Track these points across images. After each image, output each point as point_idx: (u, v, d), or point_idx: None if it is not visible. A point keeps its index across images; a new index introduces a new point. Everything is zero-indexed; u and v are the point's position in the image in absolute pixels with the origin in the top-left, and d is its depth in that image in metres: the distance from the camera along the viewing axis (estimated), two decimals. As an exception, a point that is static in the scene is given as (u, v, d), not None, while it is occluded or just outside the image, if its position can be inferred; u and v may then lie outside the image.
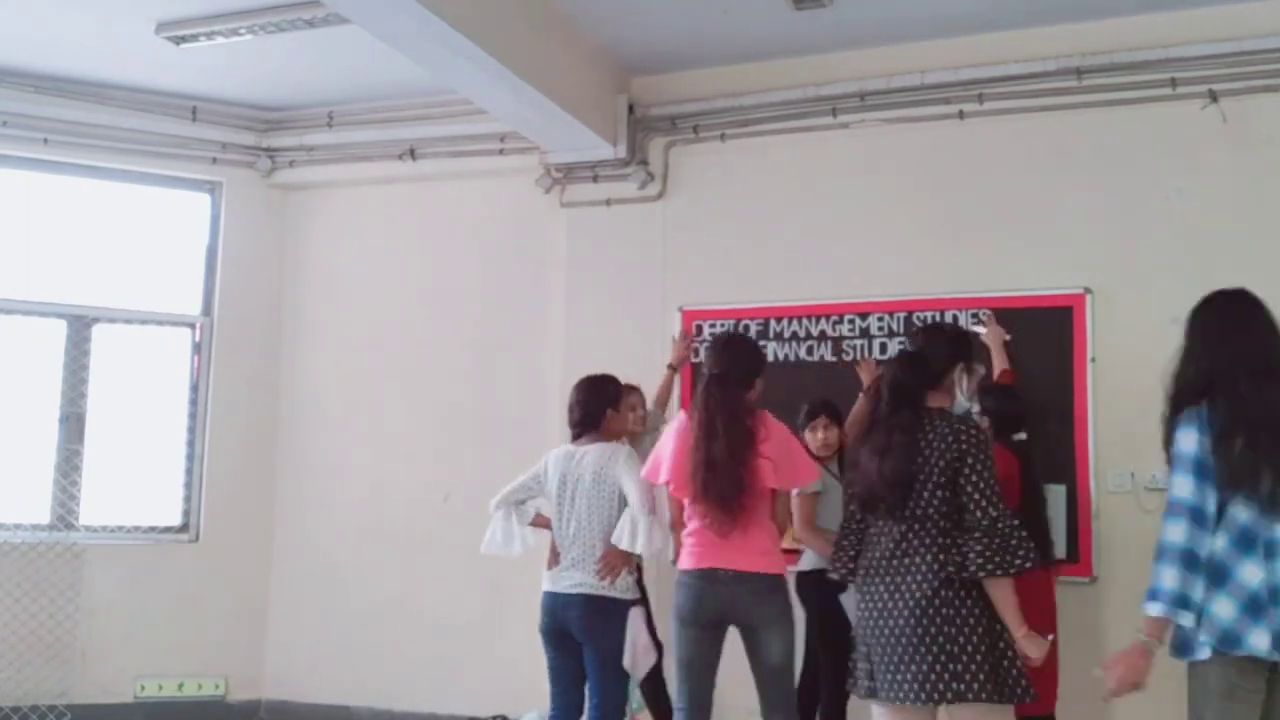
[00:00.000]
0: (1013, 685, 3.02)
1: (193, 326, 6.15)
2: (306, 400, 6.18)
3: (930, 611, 3.01)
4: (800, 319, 5.19)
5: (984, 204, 4.99)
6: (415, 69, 4.77)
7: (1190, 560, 2.56)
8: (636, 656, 3.85)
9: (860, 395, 4.73)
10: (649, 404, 4.78)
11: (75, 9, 4.98)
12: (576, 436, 4.07)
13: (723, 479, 3.45)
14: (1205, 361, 2.69)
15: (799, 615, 4.54)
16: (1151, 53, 4.72)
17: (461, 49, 4.32)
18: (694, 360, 5.14)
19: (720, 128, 5.43)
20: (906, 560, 3.08)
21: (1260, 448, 2.56)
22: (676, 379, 5.11)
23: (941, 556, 3.04)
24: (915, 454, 3.10)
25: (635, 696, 4.31)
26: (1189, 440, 2.62)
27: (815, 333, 5.16)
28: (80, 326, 5.92)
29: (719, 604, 3.51)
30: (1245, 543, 2.56)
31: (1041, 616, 4.22)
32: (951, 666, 2.97)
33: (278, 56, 5.42)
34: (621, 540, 3.79)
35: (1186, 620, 2.58)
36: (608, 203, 5.61)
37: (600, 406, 4.05)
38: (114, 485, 5.94)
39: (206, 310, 6.16)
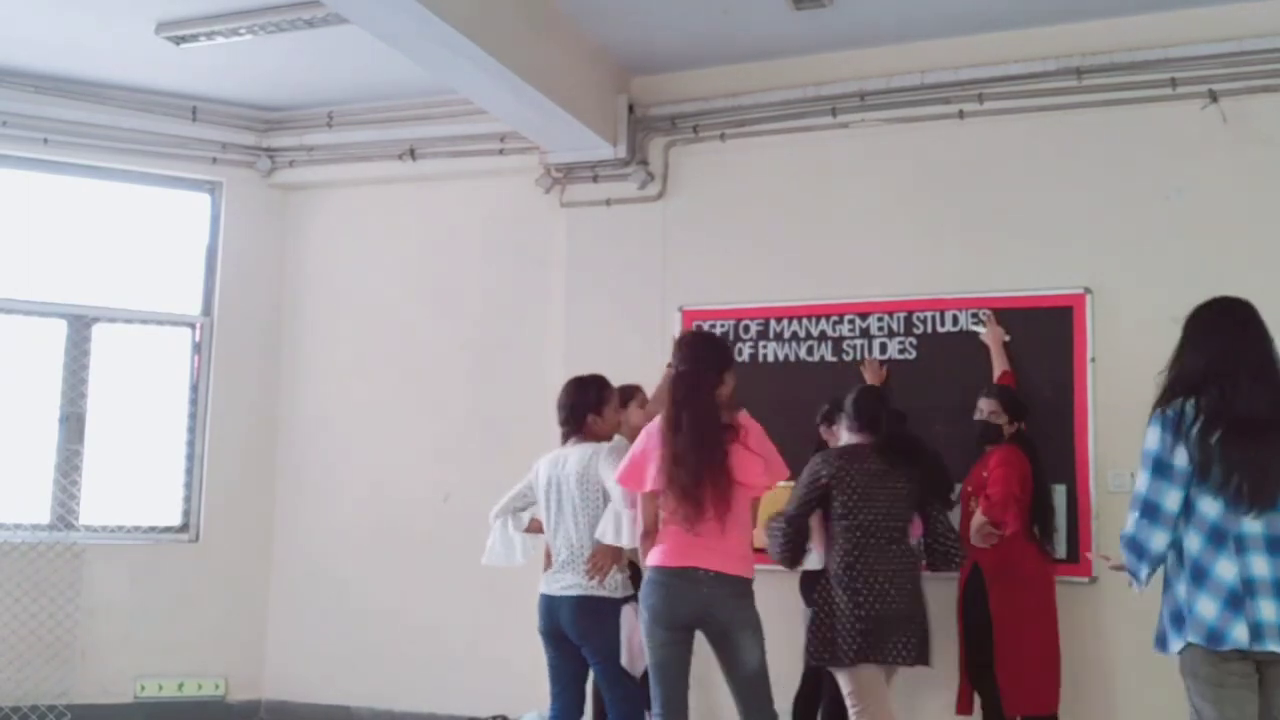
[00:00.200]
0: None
1: (193, 326, 6.15)
2: (306, 400, 6.18)
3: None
4: (800, 319, 5.19)
5: (984, 204, 4.99)
6: (415, 69, 4.77)
7: (1139, 550, 2.72)
8: (633, 655, 3.84)
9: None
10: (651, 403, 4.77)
11: (75, 9, 4.98)
12: (564, 439, 4.07)
13: (688, 471, 3.40)
14: (1198, 358, 2.75)
15: (785, 617, 4.57)
16: (1151, 53, 4.72)
17: (461, 49, 4.32)
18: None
19: (720, 128, 5.43)
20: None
21: (1234, 444, 2.62)
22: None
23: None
24: None
25: None
26: (1152, 438, 2.72)
27: (815, 333, 5.17)
28: (80, 326, 5.92)
29: (696, 605, 3.44)
30: (1217, 540, 2.64)
31: (1046, 614, 4.23)
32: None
33: (278, 56, 5.42)
34: (606, 535, 3.78)
35: (1138, 574, 2.75)
36: (608, 203, 5.61)
37: (583, 409, 4.02)
38: (114, 485, 5.94)
39: (206, 310, 6.16)
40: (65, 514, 5.75)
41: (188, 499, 6.05)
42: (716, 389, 3.55)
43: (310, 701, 5.93)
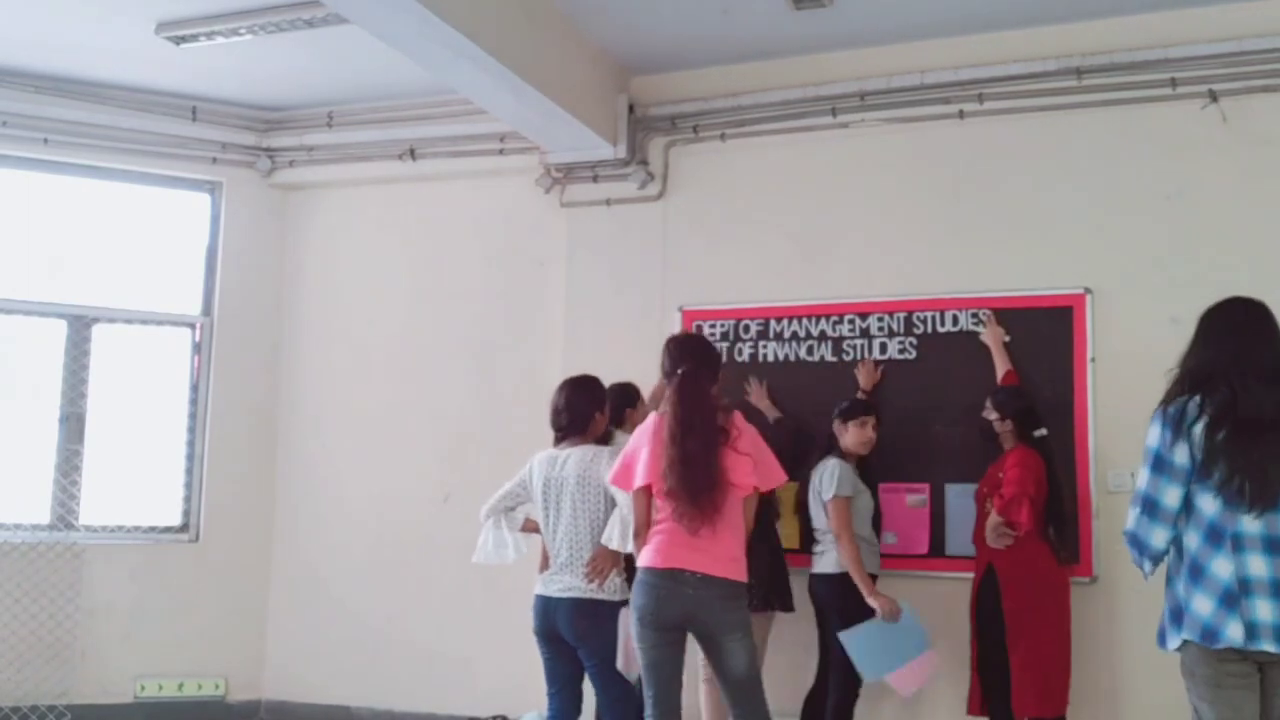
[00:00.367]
0: None
1: (193, 326, 6.15)
2: (306, 400, 6.18)
3: None
4: (800, 319, 5.19)
5: (983, 204, 4.99)
6: (415, 69, 4.77)
7: (1140, 547, 2.75)
8: (629, 657, 3.83)
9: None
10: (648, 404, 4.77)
11: (75, 9, 4.98)
12: (560, 439, 4.05)
13: (699, 474, 3.40)
14: (1207, 357, 2.77)
15: (795, 617, 4.58)
16: (1151, 53, 4.72)
17: (462, 49, 4.32)
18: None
19: (720, 128, 5.43)
20: None
21: (1238, 444, 2.62)
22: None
23: None
24: None
25: None
26: (1153, 435, 2.73)
27: (815, 333, 5.16)
28: (80, 326, 5.92)
29: (683, 607, 3.42)
30: (1215, 538, 2.64)
31: (1059, 616, 4.23)
32: None
33: (278, 56, 5.42)
34: (612, 540, 3.77)
35: (1142, 568, 2.79)
36: (608, 203, 5.61)
37: (590, 409, 4.02)
38: (114, 485, 5.94)
39: (206, 310, 6.16)
40: (65, 514, 5.75)
41: (188, 499, 6.05)
42: (712, 389, 3.57)
43: (310, 701, 5.93)
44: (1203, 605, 2.63)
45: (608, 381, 4.24)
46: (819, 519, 4.42)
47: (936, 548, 4.82)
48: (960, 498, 4.68)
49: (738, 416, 3.56)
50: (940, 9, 4.81)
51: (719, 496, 3.41)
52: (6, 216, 5.94)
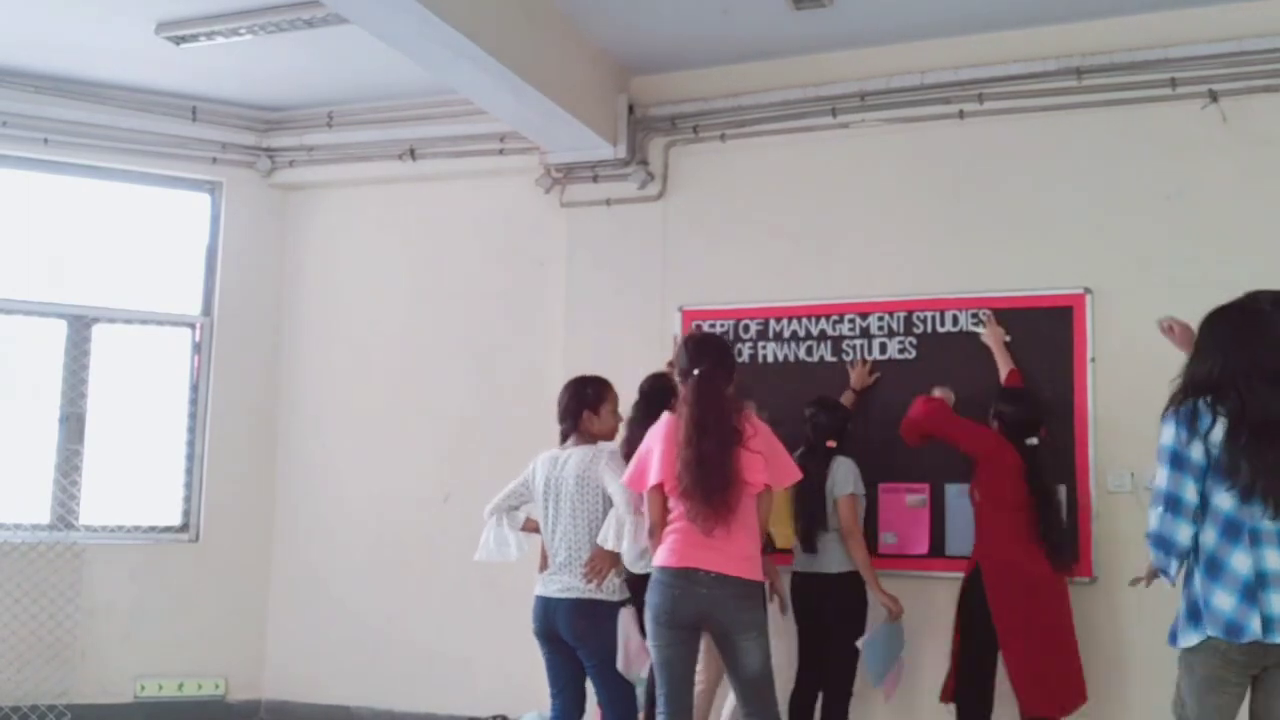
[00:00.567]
0: None
1: (193, 326, 6.15)
2: (306, 400, 6.18)
3: None
4: (800, 319, 5.19)
5: (983, 204, 4.99)
6: (415, 69, 4.77)
7: (1166, 545, 2.75)
8: (630, 657, 3.82)
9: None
10: None
11: (75, 9, 4.98)
12: (563, 438, 4.06)
13: (713, 475, 3.40)
14: (1215, 359, 2.80)
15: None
16: (1151, 53, 4.71)
17: (462, 49, 4.32)
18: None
19: (720, 128, 5.43)
20: None
21: (1257, 448, 2.68)
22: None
23: None
24: None
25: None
26: (1168, 434, 2.78)
27: (815, 333, 5.16)
28: (80, 326, 5.92)
29: (697, 606, 3.43)
30: (1232, 534, 2.69)
31: (1059, 620, 4.22)
32: None
33: (278, 56, 5.42)
34: (607, 541, 3.76)
35: (1168, 570, 2.79)
36: (608, 203, 5.61)
37: (577, 408, 4.02)
38: (114, 485, 5.94)
39: (206, 310, 6.16)
40: (65, 514, 5.75)
41: (188, 499, 6.05)
42: (727, 389, 3.57)
43: (310, 701, 5.93)
44: (1224, 601, 2.66)
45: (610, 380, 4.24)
46: (829, 518, 4.42)
47: (936, 548, 4.81)
48: (960, 498, 4.68)
49: (751, 414, 3.56)
50: (940, 9, 4.81)
51: (733, 496, 3.41)
52: (6, 216, 5.94)
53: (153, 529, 5.97)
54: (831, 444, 4.49)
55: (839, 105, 5.20)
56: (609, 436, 4.11)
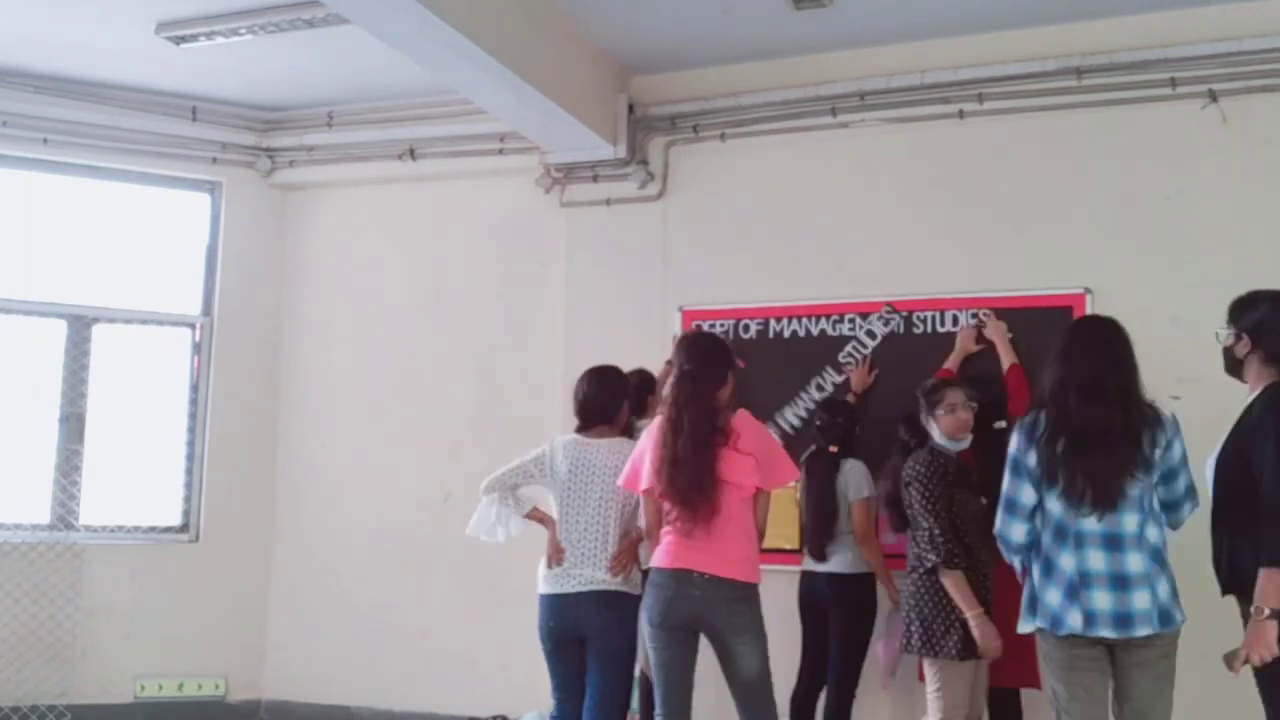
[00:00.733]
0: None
1: (193, 326, 6.15)
2: (306, 400, 6.18)
3: None
4: (800, 319, 5.19)
5: (984, 204, 4.99)
6: (415, 69, 4.77)
7: (1004, 543, 3.13)
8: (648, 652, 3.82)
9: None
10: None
11: (75, 9, 4.98)
12: (587, 427, 3.99)
13: (687, 475, 3.37)
14: (1051, 375, 3.10)
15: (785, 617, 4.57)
16: (1151, 53, 4.72)
17: (462, 49, 4.32)
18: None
19: (720, 127, 5.43)
20: None
21: (1073, 453, 2.95)
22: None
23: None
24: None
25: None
26: (1012, 443, 3.10)
27: (815, 332, 5.16)
28: (80, 326, 5.92)
29: (690, 607, 3.41)
30: (1060, 535, 2.98)
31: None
32: None
33: (278, 56, 5.42)
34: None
35: (1012, 564, 3.19)
36: (608, 202, 5.61)
37: (620, 397, 4.01)
38: (114, 485, 5.94)
39: (206, 310, 6.16)
40: (65, 514, 5.75)
41: (188, 499, 6.05)
42: (719, 390, 3.54)
43: (310, 701, 5.93)
44: (1052, 596, 2.95)
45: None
46: (840, 521, 4.43)
47: (936, 548, 4.81)
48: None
49: (742, 415, 3.52)
50: (940, 9, 4.81)
51: (715, 497, 3.38)
52: (6, 216, 5.94)
53: (153, 529, 5.97)
54: (834, 449, 4.48)
55: (839, 105, 5.20)
56: (629, 427, 4.11)
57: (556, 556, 3.87)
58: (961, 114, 5.03)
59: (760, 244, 5.32)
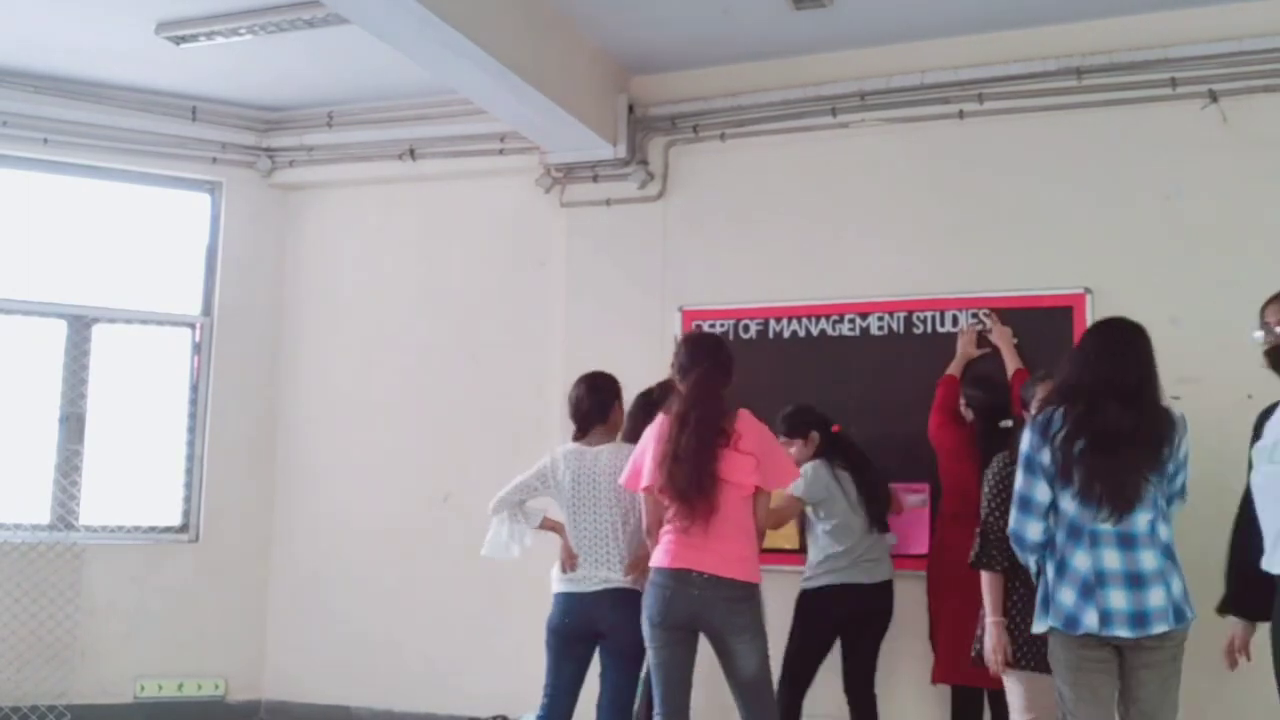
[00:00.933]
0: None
1: (193, 326, 6.15)
2: (306, 400, 6.18)
3: None
4: (800, 319, 5.19)
5: (984, 204, 4.99)
6: (415, 69, 4.77)
7: (1019, 542, 3.07)
8: None
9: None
10: None
11: (75, 9, 4.98)
12: (584, 433, 4.02)
13: (687, 472, 3.39)
14: (1081, 374, 3.07)
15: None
16: (1151, 53, 4.72)
17: (462, 49, 4.32)
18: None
19: (720, 127, 5.43)
20: None
21: (1095, 454, 2.93)
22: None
23: None
24: None
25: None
26: (1025, 441, 3.06)
27: (815, 332, 5.16)
28: (80, 326, 5.92)
29: (689, 607, 3.41)
30: (1074, 534, 2.96)
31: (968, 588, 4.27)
32: None
33: (278, 56, 5.42)
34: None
35: (1027, 564, 3.13)
36: (608, 203, 5.61)
37: (612, 400, 4.05)
38: (114, 485, 5.94)
39: (206, 310, 6.16)
40: (65, 514, 5.75)
41: (188, 499, 6.05)
42: (725, 390, 3.56)
43: (310, 701, 5.93)
44: (1066, 595, 2.93)
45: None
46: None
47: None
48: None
49: (744, 415, 3.53)
50: (940, 9, 4.81)
51: (713, 496, 3.39)
52: (6, 216, 5.94)
53: (153, 529, 5.96)
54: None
55: (839, 105, 5.20)
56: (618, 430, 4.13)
57: (570, 563, 3.93)
58: (961, 114, 5.03)
59: (760, 244, 5.32)
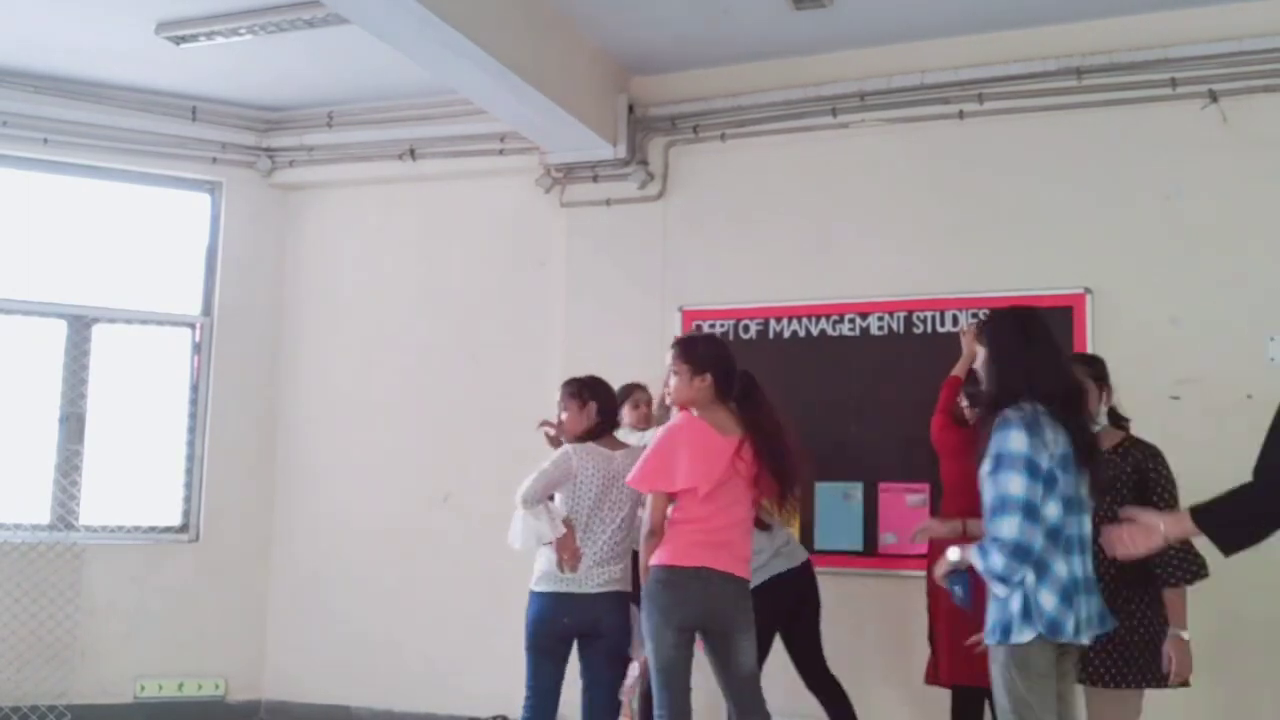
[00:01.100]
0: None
1: (193, 326, 6.15)
2: (306, 400, 6.18)
3: None
4: (800, 319, 5.19)
5: (984, 204, 4.99)
6: (415, 69, 4.77)
7: (1024, 554, 2.79)
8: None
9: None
10: (654, 403, 4.75)
11: (75, 9, 4.98)
12: (599, 436, 4.03)
13: (794, 471, 3.57)
14: (1046, 365, 2.93)
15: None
16: (1151, 53, 4.72)
17: (462, 49, 4.32)
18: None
19: (720, 128, 5.43)
20: None
21: (1081, 460, 2.87)
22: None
23: None
24: None
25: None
26: (1019, 440, 2.80)
27: (815, 332, 5.17)
28: (80, 326, 5.92)
29: (707, 605, 3.46)
30: (1055, 539, 2.84)
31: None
32: None
33: (278, 56, 5.42)
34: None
35: (1012, 578, 2.83)
36: (608, 203, 5.61)
37: (618, 405, 4.14)
38: (114, 485, 5.94)
39: (206, 310, 6.16)
40: (65, 514, 5.75)
41: (188, 499, 6.05)
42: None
43: (310, 701, 5.93)
44: (1048, 601, 2.81)
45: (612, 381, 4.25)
46: None
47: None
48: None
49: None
50: (940, 9, 4.81)
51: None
52: (6, 216, 5.94)
53: (153, 529, 5.96)
54: None
55: (839, 105, 5.20)
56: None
57: (574, 563, 3.90)
58: (961, 114, 5.03)
59: (760, 244, 5.32)
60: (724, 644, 3.50)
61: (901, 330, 5.01)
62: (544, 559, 3.99)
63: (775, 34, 5.07)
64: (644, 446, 3.91)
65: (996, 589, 2.85)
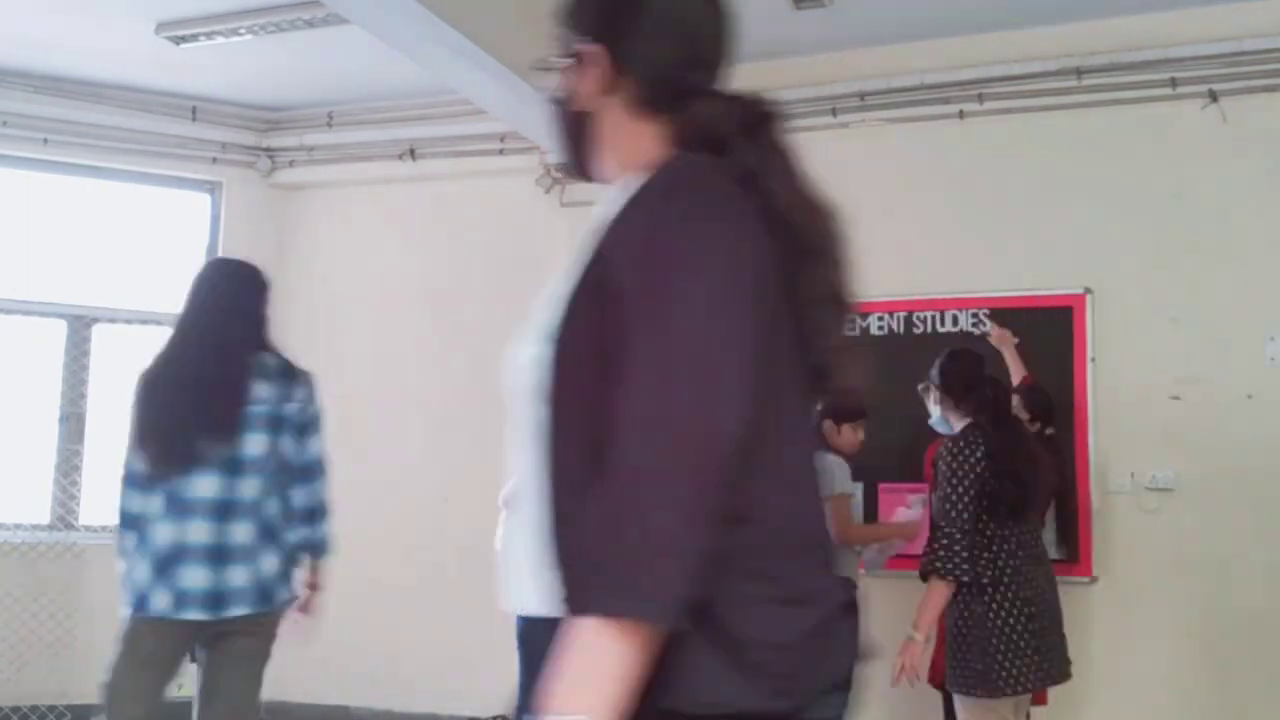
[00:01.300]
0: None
1: (193, 326, 6.14)
2: (306, 400, 6.18)
3: None
4: (800, 319, 5.18)
5: (984, 204, 4.99)
6: (415, 69, 4.76)
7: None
8: None
9: None
10: None
11: (75, 9, 4.98)
12: None
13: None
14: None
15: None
16: (1151, 53, 4.72)
17: (462, 49, 4.32)
18: None
19: (720, 128, 5.42)
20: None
21: None
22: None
23: None
24: None
25: None
26: None
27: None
28: (80, 326, 5.92)
29: None
30: None
31: None
32: None
33: (278, 56, 5.42)
34: None
35: None
36: (608, 203, 5.60)
37: None
38: (114, 485, 5.92)
39: (206, 310, 6.15)
40: (65, 514, 5.75)
41: (188, 499, 6.04)
42: None
43: (310, 701, 5.93)
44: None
45: None
46: None
47: (936, 548, 4.81)
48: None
49: None
50: (940, 9, 4.81)
51: None
52: (6, 216, 5.94)
53: (153, 529, 5.96)
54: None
55: (839, 105, 5.20)
56: None
57: None
58: (961, 114, 5.03)
59: (760, 244, 5.31)
60: None
61: (901, 330, 5.01)
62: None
63: (775, 34, 5.07)
64: None
65: None
